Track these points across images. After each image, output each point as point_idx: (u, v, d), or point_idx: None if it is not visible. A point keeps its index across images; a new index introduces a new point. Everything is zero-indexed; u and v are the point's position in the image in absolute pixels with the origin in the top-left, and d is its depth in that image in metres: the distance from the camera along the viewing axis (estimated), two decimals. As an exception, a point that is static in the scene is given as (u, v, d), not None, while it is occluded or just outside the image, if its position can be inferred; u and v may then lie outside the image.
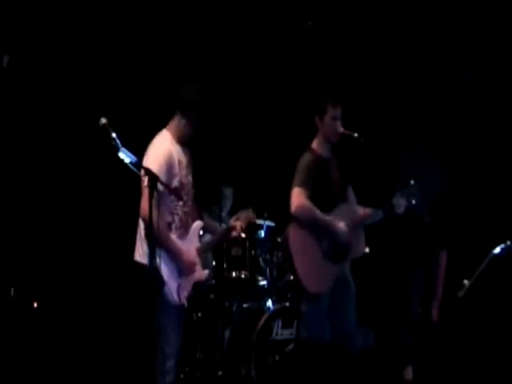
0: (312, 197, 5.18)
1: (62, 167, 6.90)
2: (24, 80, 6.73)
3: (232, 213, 7.42)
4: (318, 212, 5.16)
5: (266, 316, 6.29)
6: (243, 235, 6.91)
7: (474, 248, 5.89)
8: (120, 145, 4.70)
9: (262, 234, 6.98)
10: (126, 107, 6.90)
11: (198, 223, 5.01)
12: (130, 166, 4.79)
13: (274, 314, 6.33)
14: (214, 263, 6.86)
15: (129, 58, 7.09)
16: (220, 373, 6.39)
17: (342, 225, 5.20)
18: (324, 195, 5.23)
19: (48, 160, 6.87)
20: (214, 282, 6.81)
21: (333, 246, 5.23)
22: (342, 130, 5.31)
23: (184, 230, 4.92)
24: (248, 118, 7.82)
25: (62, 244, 6.88)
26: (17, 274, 6.57)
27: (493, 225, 6.59)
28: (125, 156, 4.68)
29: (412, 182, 5.31)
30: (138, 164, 4.76)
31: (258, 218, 7.12)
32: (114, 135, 4.70)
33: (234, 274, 6.74)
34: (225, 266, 6.75)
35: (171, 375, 4.80)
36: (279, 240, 6.82)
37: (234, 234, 5.11)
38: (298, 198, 5.16)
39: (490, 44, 6.98)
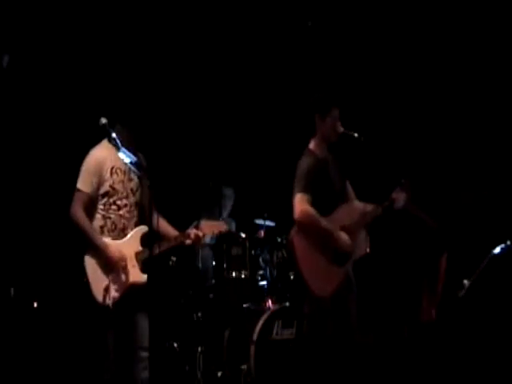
0: (314, 200, 5.17)
1: (62, 167, 6.89)
2: (24, 80, 6.73)
3: (232, 214, 7.44)
4: (321, 220, 5.15)
5: (265, 316, 6.29)
6: (243, 235, 6.94)
7: (474, 248, 5.88)
8: (120, 145, 4.72)
9: (262, 234, 6.98)
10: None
11: (140, 228, 4.94)
12: (130, 165, 4.81)
13: (274, 314, 6.33)
14: (213, 263, 6.87)
15: (129, 59, 7.09)
16: (220, 373, 6.39)
17: (344, 236, 5.18)
18: (325, 197, 5.21)
19: (48, 160, 6.87)
20: (213, 281, 6.82)
21: (337, 250, 5.23)
22: (342, 129, 5.30)
23: (119, 232, 4.92)
24: (248, 118, 7.82)
25: (62, 244, 6.87)
26: (17, 274, 6.57)
27: (493, 225, 6.58)
28: (125, 156, 4.71)
29: (406, 179, 5.37)
30: (138, 164, 4.78)
31: (258, 218, 7.14)
32: (113, 135, 4.71)
33: (233, 274, 6.74)
34: (225, 265, 6.75)
35: (108, 373, 4.85)
36: (279, 240, 6.83)
37: (188, 242, 5.03)
38: (300, 204, 5.14)
39: (490, 44, 6.98)
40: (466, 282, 5.04)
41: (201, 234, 5.03)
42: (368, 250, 5.39)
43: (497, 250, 5.02)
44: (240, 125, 7.85)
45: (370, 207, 5.35)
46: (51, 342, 6.51)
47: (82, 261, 4.90)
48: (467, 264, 5.37)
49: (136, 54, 7.13)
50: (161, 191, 5.06)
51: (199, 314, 6.59)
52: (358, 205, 5.38)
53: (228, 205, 7.39)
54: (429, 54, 7.19)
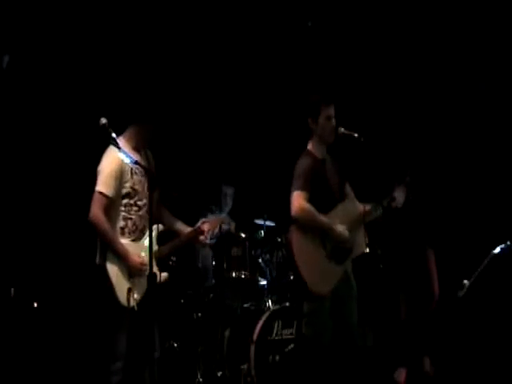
0: (311, 199, 5.18)
1: (62, 167, 6.89)
2: (24, 80, 6.73)
3: (232, 214, 7.44)
4: (318, 215, 5.16)
5: (265, 316, 6.29)
6: (243, 235, 6.93)
7: (474, 248, 5.89)
8: (120, 145, 4.71)
9: (262, 234, 6.98)
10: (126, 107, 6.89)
11: (154, 227, 4.94)
12: (133, 164, 4.81)
13: (274, 314, 6.33)
14: (213, 263, 6.87)
15: (128, 59, 7.09)
16: (220, 373, 6.39)
17: (342, 228, 5.19)
18: (322, 197, 5.23)
19: (48, 160, 6.87)
20: (213, 281, 6.82)
21: (336, 246, 5.23)
22: (342, 130, 5.30)
23: (140, 233, 4.93)
24: (248, 118, 7.82)
25: (62, 244, 6.88)
26: (17, 274, 6.57)
27: (493, 225, 6.59)
28: (124, 156, 4.70)
29: (408, 176, 5.38)
30: (139, 163, 4.78)
31: (258, 218, 7.14)
32: (113, 135, 4.71)
33: (233, 274, 6.74)
34: (225, 265, 6.75)
35: (118, 376, 4.82)
36: (279, 240, 6.83)
37: (202, 238, 5.10)
38: (297, 200, 5.15)
39: (490, 45, 6.98)
40: (465, 281, 5.05)
41: (213, 229, 5.13)
42: (367, 249, 5.39)
43: (497, 250, 5.02)
44: (240, 125, 7.85)
45: (368, 206, 5.36)
46: (51, 342, 6.51)
47: (104, 265, 4.83)
48: (467, 264, 5.37)
49: (135, 53, 7.12)
50: (161, 190, 5.09)
51: (199, 314, 6.59)
52: (356, 204, 5.38)
53: (228, 203, 7.39)
54: (429, 54, 7.20)
